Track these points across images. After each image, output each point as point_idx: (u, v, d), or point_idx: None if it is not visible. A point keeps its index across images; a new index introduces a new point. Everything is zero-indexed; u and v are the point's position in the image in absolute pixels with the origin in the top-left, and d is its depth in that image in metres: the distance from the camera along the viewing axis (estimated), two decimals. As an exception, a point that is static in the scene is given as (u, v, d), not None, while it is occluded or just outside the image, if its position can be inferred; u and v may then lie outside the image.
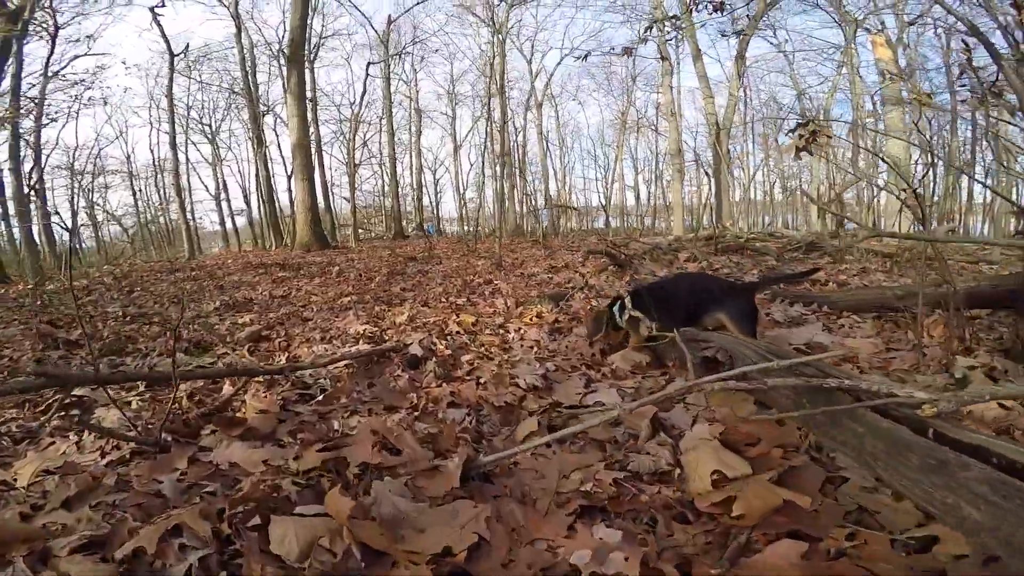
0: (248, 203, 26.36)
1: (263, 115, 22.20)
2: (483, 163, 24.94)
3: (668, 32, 16.08)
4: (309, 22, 18.50)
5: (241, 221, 27.13)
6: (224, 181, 26.50)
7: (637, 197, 31.33)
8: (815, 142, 3.15)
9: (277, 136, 25.43)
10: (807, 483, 1.43)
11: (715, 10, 8.49)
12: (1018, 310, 2.87)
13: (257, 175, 21.72)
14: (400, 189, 26.08)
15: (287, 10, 18.73)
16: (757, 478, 1.43)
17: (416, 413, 2.42)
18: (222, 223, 26.77)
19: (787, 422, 1.74)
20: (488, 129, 21.49)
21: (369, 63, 24.30)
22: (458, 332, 4.10)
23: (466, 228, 25.97)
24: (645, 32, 7.35)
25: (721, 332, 2.76)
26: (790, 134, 3.27)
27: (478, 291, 6.57)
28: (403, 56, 25.38)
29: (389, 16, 24.15)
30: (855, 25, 16.14)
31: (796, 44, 21.22)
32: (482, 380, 2.82)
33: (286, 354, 3.87)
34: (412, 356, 3.41)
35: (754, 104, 25.90)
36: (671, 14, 13.41)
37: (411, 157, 28.32)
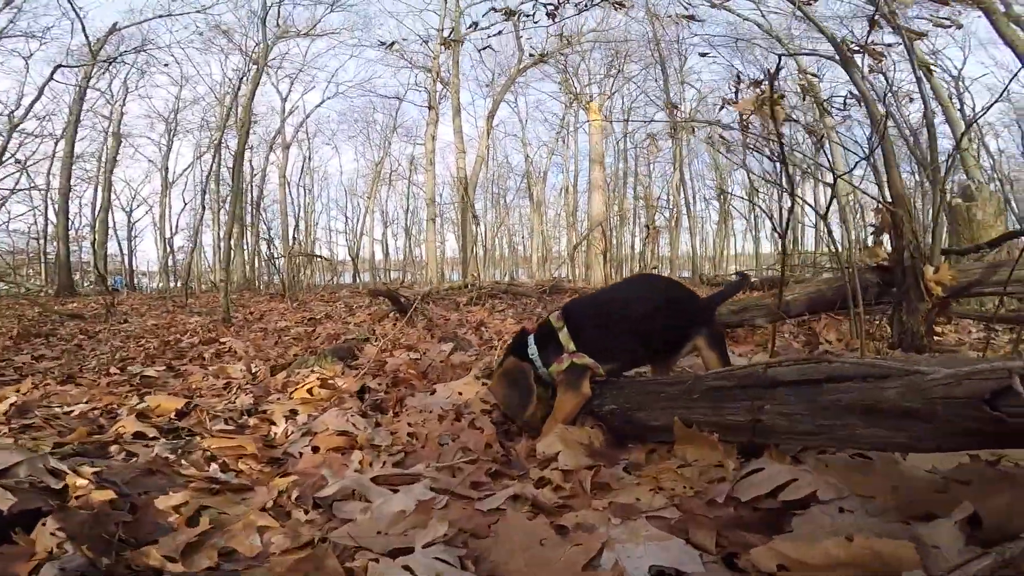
0: None
1: None
2: (202, 202, 20.13)
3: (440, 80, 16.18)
4: None
5: None
6: None
7: (386, 252, 29.95)
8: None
9: None
10: None
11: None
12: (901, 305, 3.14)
13: None
14: (75, 232, 19.04)
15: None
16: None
17: None
18: None
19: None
20: (216, 165, 17.42)
21: (59, 65, 17.08)
22: (139, 434, 1.84)
23: (173, 283, 20.28)
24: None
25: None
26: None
27: (190, 353, 4.00)
28: (113, 67, 18.88)
29: (115, 24, 17.72)
30: (574, 97, 18.69)
31: (530, 112, 23.79)
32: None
33: None
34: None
35: (491, 166, 27.85)
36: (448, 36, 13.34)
37: (97, 191, 21.14)
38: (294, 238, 21.05)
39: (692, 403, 1.37)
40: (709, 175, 23.79)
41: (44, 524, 1.15)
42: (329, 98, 23.29)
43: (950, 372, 0.88)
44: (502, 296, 8.51)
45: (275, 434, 1.89)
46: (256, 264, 20.97)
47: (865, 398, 1.03)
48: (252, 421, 2.05)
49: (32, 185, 19.89)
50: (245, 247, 20.25)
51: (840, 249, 3.37)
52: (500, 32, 10.98)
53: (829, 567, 0.90)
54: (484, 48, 13.29)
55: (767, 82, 3.30)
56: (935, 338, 3.26)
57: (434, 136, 17.21)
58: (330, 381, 2.37)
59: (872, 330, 3.41)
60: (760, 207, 16.70)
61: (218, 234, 22.29)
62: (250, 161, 21.52)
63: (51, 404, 2.43)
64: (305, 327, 5.36)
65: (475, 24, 11.10)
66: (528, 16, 6.70)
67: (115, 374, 3.11)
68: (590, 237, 14.41)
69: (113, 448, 1.76)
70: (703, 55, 12.36)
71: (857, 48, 4.16)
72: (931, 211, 3.51)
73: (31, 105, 17.35)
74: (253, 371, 2.84)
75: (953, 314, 3.74)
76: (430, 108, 16.95)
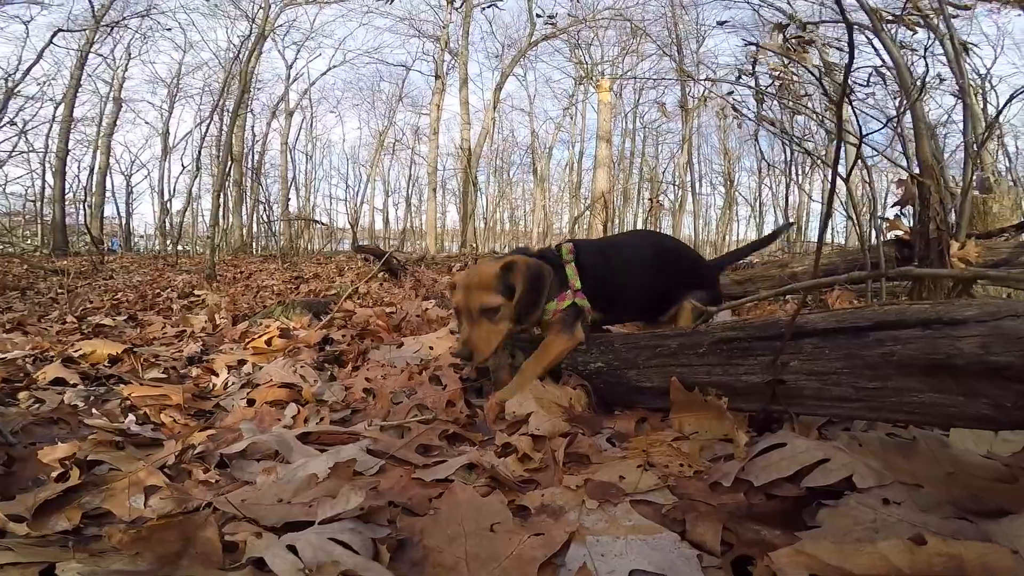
0: None
1: None
2: (197, 165, 19.69)
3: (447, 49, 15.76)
4: None
5: None
6: None
7: (386, 221, 29.49)
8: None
9: None
10: None
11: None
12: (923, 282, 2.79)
13: None
14: (72, 194, 18.71)
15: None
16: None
17: None
18: None
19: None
20: (219, 129, 16.96)
21: (59, 30, 16.52)
22: (59, 380, 1.59)
23: (168, 245, 19.99)
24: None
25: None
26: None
27: (162, 306, 3.75)
28: (116, 31, 18.22)
29: None
30: (585, 74, 18.07)
31: (539, 87, 23.19)
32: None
33: None
34: None
35: (496, 139, 27.17)
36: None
37: (97, 155, 20.66)
38: (287, 200, 20.68)
39: (696, 360, 1.10)
40: (718, 160, 23.20)
41: None
42: (335, 66, 22.52)
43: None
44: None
45: (213, 385, 1.65)
46: (253, 228, 20.66)
47: (929, 350, 0.76)
48: (194, 371, 1.80)
49: (30, 148, 19.45)
50: (244, 212, 19.91)
51: (858, 216, 3.05)
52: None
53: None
54: (488, 6, 12.74)
55: (794, 26, 2.97)
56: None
57: (439, 106, 16.79)
58: (292, 332, 2.12)
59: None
60: (771, 189, 16.27)
61: (216, 184, 21.96)
62: (251, 127, 21.07)
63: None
64: (290, 285, 5.11)
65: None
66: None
67: (70, 323, 2.87)
68: (592, 211, 14.06)
69: (22, 395, 1.53)
70: (721, 23, 11.81)
71: (892, 17, 3.78)
72: (961, 186, 3.18)
73: (28, 69, 16.89)
74: (217, 322, 2.59)
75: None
76: (437, 77, 16.54)
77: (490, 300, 1.36)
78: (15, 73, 17.22)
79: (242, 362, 1.81)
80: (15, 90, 17.05)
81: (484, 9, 14.74)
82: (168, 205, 20.81)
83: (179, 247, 10.77)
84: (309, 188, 25.97)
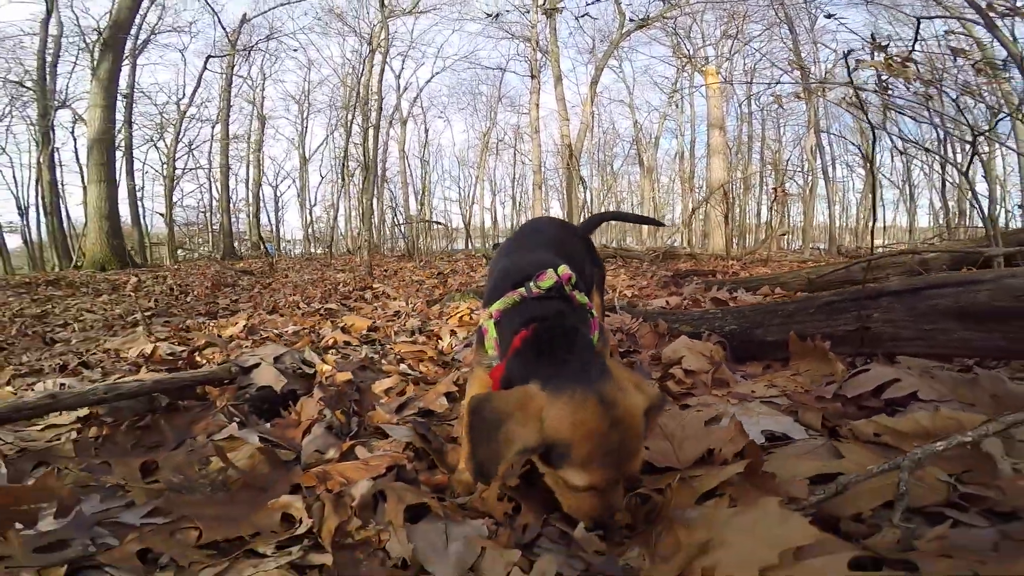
0: (25, 216, 19.54)
1: (55, 109, 16.51)
2: (343, 175, 22.29)
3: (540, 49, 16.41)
4: (143, 11, 14.77)
5: (15, 241, 19.92)
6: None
7: (494, 219, 30.98)
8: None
9: (75, 140, 19.40)
10: None
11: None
12: None
13: (39, 181, 16.11)
14: (233, 205, 22.10)
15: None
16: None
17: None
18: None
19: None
20: (347, 141, 19.20)
21: (209, 56, 19.93)
22: (346, 343, 2.41)
23: (313, 249, 22.87)
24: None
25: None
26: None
27: (352, 296, 4.76)
28: (252, 55, 21.54)
29: (244, 14, 20.24)
30: (687, 60, 17.67)
31: (637, 77, 22.83)
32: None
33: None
34: (262, 391, 1.69)
35: (596, 132, 27.29)
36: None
37: (248, 169, 24.28)
38: (420, 204, 22.44)
39: (808, 317, 1.57)
40: (853, 139, 21.29)
41: (311, 396, 1.67)
42: (437, 73, 24.25)
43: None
44: (610, 260, 8.70)
45: (443, 346, 2.37)
46: (382, 231, 22.77)
47: (959, 301, 1.19)
48: (421, 338, 2.56)
49: (198, 165, 23.12)
50: (373, 216, 22.10)
51: (985, 205, 3.14)
52: (598, -1, 10.79)
53: (917, 433, 1.11)
54: (582, 15, 13.07)
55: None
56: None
57: (537, 104, 17.46)
58: (475, 311, 2.83)
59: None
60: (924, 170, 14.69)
61: (350, 204, 24.47)
62: (373, 137, 23.25)
63: (267, 328, 3.16)
64: (436, 280, 6.02)
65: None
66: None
67: (304, 308, 3.87)
68: (709, 201, 13.87)
69: (330, 352, 2.35)
70: (829, 16, 11.07)
71: (1007, 10, 3.68)
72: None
73: (193, 92, 20.26)
74: (412, 306, 3.41)
75: None
76: (532, 77, 17.23)
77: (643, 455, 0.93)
78: (182, 98, 20.79)
79: (453, 331, 2.54)
80: (186, 113, 20.66)
81: (579, 19, 15.08)
82: (311, 213, 23.75)
83: (331, 249, 12.44)
84: (426, 192, 28.01)
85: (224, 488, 1.07)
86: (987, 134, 2.82)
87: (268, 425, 1.46)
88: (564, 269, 1.16)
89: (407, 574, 0.84)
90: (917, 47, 3.05)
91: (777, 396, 1.42)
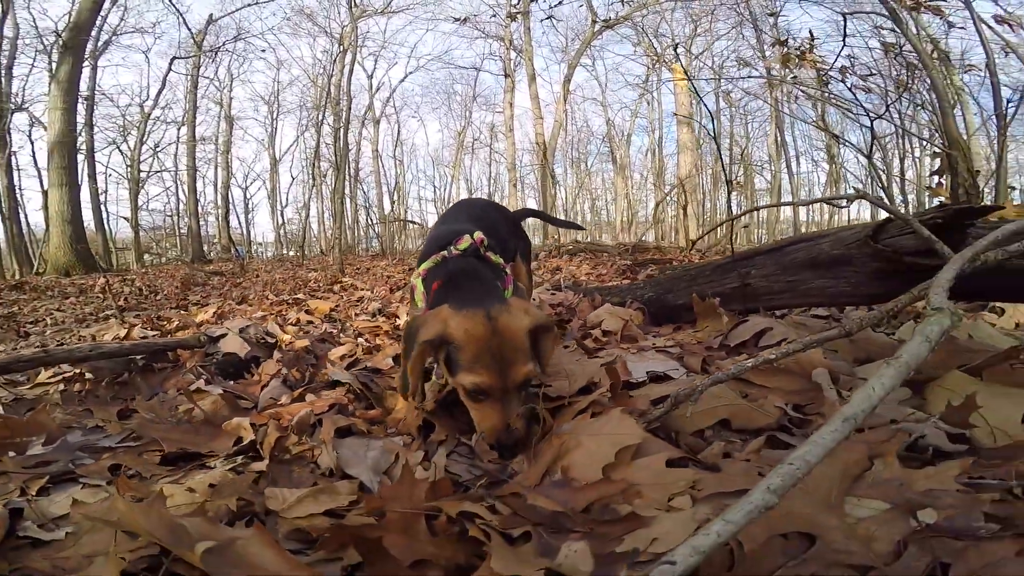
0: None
1: (11, 112, 16.06)
2: (312, 175, 22.19)
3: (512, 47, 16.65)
4: (104, 12, 14.44)
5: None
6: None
7: (469, 217, 31.02)
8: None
9: (32, 143, 18.87)
10: None
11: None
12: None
13: (-7, 186, 15.66)
14: (201, 208, 21.82)
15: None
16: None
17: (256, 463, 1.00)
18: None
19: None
20: (317, 141, 19.17)
21: (175, 58, 19.54)
22: (309, 322, 2.59)
23: (285, 251, 22.76)
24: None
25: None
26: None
27: (321, 289, 4.92)
28: (219, 56, 21.20)
29: (211, 15, 19.92)
30: (656, 58, 18.13)
31: (609, 75, 23.17)
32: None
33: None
34: (228, 357, 1.87)
35: (570, 130, 27.65)
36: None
37: (217, 171, 23.96)
38: (393, 202, 22.45)
39: (705, 280, 1.82)
40: (818, 135, 22.05)
41: (271, 359, 1.87)
42: (411, 72, 24.31)
43: (862, 225, 1.29)
44: (580, 254, 8.98)
45: (399, 324, 2.58)
46: (356, 231, 22.73)
47: (811, 253, 1.45)
48: (380, 319, 2.76)
49: (162, 167, 22.71)
50: (346, 215, 22.06)
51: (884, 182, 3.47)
52: (561, 2, 11.15)
53: (769, 371, 1.36)
54: (546, 19, 13.41)
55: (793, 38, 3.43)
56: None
57: (511, 103, 17.69)
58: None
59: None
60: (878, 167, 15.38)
61: (322, 205, 24.37)
62: (343, 137, 23.20)
63: (236, 315, 3.31)
64: (407, 273, 6.20)
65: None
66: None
67: (272, 298, 4.03)
68: (674, 195, 14.31)
69: (291, 326, 2.54)
70: (772, 15, 11.66)
71: (913, 4, 4.08)
72: (995, 154, 3.49)
73: (158, 94, 19.84)
74: (379, 294, 3.60)
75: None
76: (506, 76, 17.48)
77: (529, 369, 1.10)
78: (145, 100, 20.38)
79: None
80: (150, 116, 20.28)
81: (542, 22, 15.41)
82: (282, 214, 23.58)
83: (303, 250, 12.48)
84: (401, 191, 28.01)
85: (188, 423, 1.26)
86: (883, 116, 3.14)
87: (232, 383, 1.65)
88: (479, 234, 1.41)
89: (332, 480, 1.05)
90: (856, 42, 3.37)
91: (672, 347, 1.67)
